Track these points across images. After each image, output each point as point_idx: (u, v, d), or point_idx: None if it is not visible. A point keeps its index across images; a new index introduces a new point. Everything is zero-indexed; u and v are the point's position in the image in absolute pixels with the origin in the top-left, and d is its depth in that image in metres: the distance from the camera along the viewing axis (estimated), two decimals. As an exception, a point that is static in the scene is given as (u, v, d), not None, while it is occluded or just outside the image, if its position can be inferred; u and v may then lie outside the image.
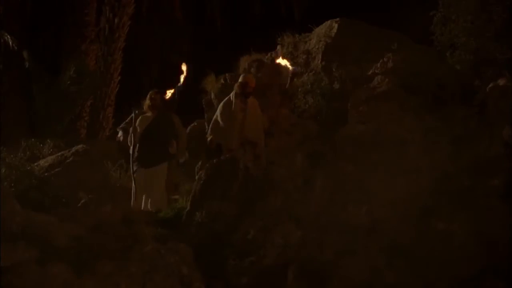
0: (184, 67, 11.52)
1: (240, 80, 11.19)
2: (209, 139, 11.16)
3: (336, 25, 12.93)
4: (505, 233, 9.76)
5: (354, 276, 7.87)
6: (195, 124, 13.78)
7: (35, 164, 11.08)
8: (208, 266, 7.57)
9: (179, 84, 11.38)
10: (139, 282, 6.55)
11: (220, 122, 11.14)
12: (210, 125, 11.40)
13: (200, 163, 11.99)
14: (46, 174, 10.64)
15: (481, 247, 9.60)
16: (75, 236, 6.97)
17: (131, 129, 10.79)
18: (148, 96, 11.06)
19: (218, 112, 11.30)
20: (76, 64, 16.25)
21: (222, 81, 13.28)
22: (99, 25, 18.84)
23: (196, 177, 10.03)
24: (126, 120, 11.21)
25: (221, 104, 11.24)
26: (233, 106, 11.02)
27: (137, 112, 11.09)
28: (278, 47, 11.36)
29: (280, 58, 11.24)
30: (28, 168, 10.01)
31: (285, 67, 11.28)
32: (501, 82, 11.30)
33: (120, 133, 11.10)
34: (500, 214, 9.91)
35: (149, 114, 11.01)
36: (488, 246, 9.63)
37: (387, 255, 9.10)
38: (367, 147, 10.46)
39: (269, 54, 13.82)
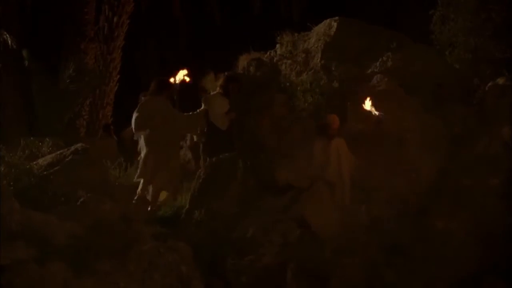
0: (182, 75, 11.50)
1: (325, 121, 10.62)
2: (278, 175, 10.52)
3: (335, 24, 12.91)
4: (503, 232, 9.77)
5: (353, 275, 7.88)
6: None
7: (34, 162, 11.03)
8: (207, 265, 7.59)
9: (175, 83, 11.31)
10: (138, 280, 6.55)
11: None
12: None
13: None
14: (45, 172, 10.59)
15: (480, 246, 9.61)
16: (74, 234, 6.97)
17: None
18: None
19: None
20: (75, 62, 16.21)
21: (221, 79, 13.27)
22: (98, 23, 18.81)
23: (196, 176, 10.04)
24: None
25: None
26: (314, 146, 10.44)
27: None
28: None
29: (367, 103, 10.30)
30: (27, 166, 9.98)
31: (371, 113, 10.56)
32: (500, 81, 11.31)
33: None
34: (499, 213, 9.93)
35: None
36: (487, 245, 9.64)
37: (386, 253, 9.12)
38: (366, 146, 10.47)
39: (268, 53, 13.81)
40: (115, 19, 18.63)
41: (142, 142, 10.76)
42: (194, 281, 6.94)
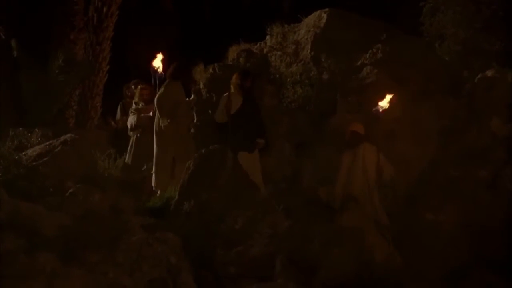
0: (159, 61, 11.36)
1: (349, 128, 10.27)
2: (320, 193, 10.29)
3: (325, 16, 12.91)
4: (492, 224, 9.82)
5: (342, 266, 7.88)
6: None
7: (23, 153, 10.99)
8: (196, 256, 7.57)
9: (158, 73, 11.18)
10: (127, 271, 6.54)
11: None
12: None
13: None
14: (34, 163, 10.56)
15: (468, 237, 9.66)
16: (63, 225, 6.95)
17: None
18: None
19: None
20: (64, 53, 16.14)
21: (211, 70, 13.25)
22: (87, 14, 18.71)
23: (185, 166, 10.03)
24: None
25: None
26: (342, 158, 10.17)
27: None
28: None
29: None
30: (16, 157, 9.95)
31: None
32: (489, 73, 11.35)
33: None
34: (488, 205, 9.97)
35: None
36: (475, 236, 9.69)
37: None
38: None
39: (258, 44, 13.80)
40: (104, 10, 18.51)
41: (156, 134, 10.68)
42: (183, 272, 6.93)
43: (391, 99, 9.78)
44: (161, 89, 10.73)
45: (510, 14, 13.53)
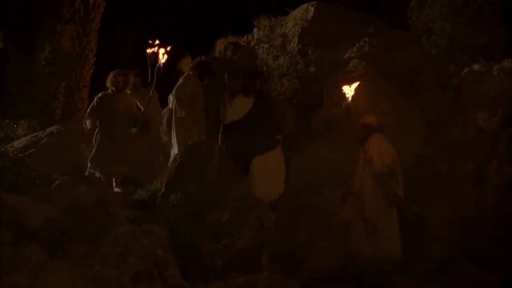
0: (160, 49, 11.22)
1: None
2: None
3: (312, 9, 12.90)
4: (478, 217, 9.85)
5: (328, 258, 7.90)
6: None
7: (9, 145, 11.00)
8: (183, 248, 7.57)
9: (158, 65, 11.05)
10: (113, 263, 6.53)
11: None
12: None
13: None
14: (20, 155, 10.56)
15: (454, 231, 9.69)
16: (49, 217, 6.93)
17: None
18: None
19: None
20: (51, 44, 16.10)
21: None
22: (74, 5, 18.64)
23: (171, 159, 10.02)
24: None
25: None
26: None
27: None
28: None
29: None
30: (2, 149, 9.95)
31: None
32: (475, 67, 11.38)
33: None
34: (473, 198, 10.01)
35: None
36: (461, 230, 9.72)
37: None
38: (343, 130, 10.49)
39: (245, 37, 13.79)
40: (91, 1, 18.47)
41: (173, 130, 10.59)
42: (169, 264, 6.92)
43: (357, 87, 9.61)
44: (180, 81, 10.68)
45: (496, 8, 13.59)
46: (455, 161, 10.37)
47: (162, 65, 10.68)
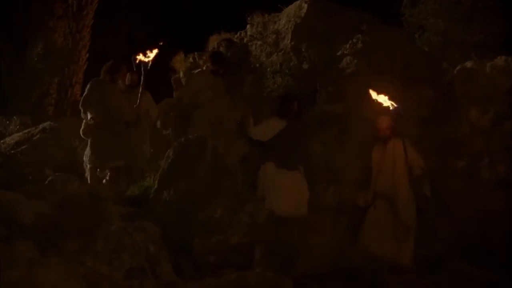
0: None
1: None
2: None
3: (305, 5, 12.90)
4: (469, 214, 9.88)
5: (321, 255, 7.92)
6: (164, 102, 13.70)
7: (1, 141, 10.97)
8: (175, 245, 7.57)
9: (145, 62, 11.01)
10: (105, 260, 6.53)
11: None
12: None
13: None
14: (12, 151, 10.54)
15: (445, 228, 9.72)
16: (42, 213, 6.93)
17: None
18: None
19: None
20: (43, 40, 16.11)
21: (191, 59, 13.25)
22: (67, 1, 18.62)
23: (165, 155, 10.02)
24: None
25: None
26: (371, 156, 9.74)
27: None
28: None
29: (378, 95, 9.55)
30: (-6, 145, 9.94)
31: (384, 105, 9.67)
32: (468, 64, 11.39)
33: None
34: (465, 195, 10.03)
35: None
36: (452, 227, 9.75)
37: (353, 234, 9.18)
38: (335, 127, 10.50)
39: (238, 34, 13.79)
40: (84, -3, 18.47)
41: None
42: (162, 261, 6.93)
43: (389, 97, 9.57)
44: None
45: (489, 6, 13.61)
46: (447, 158, 10.39)
47: (149, 61, 10.67)
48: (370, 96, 9.42)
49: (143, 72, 10.68)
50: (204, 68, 10.59)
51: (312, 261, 7.80)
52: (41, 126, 11.42)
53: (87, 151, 10.64)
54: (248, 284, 6.73)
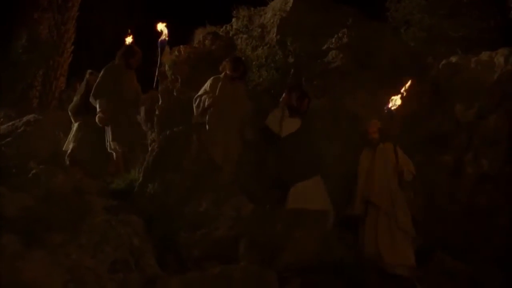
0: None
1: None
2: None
3: (291, 0, 12.90)
4: (454, 209, 9.92)
5: (305, 248, 7.94)
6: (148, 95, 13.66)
7: (-15, 133, 10.92)
8: (160, 238, 7.58)
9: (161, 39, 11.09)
10: (89, 253, 6.52)
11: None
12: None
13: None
14: (-4, 144, 10.51)
15: (430, 222, 9.75)
16: (26, 206, 6.91)
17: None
18: None
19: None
20: (28, 32, 16.04)
21: (176, 53, 13.19)
22: (52, -7, 18.54)
23: (149, 148, 9.99)
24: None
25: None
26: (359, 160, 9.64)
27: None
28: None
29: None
30: (-22, 137, 9.89)
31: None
32: (453, 59, 11.42)
33: None
34: (450, 190, 10.07)
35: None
36: (437, 221, 9.78)
37: (337, 227, 9.19)
38: (322, 121, 10.50)
39: (224, 27, 13.75)
40: (68, -11, 18.38)
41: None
42: (146, 254, 6.93)
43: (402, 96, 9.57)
44: None
45: (474, 1, 13.66)
46: (432, 152, 10.42)
47: (165, 39, 10.75)
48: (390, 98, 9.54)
49: (160, 50, 10.75)
50: (222, 75, 10.31)
51: (296, 254, 7.83)
52: (25, 119, 11.38)
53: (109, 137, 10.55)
54: (232, 277, 6.75)
